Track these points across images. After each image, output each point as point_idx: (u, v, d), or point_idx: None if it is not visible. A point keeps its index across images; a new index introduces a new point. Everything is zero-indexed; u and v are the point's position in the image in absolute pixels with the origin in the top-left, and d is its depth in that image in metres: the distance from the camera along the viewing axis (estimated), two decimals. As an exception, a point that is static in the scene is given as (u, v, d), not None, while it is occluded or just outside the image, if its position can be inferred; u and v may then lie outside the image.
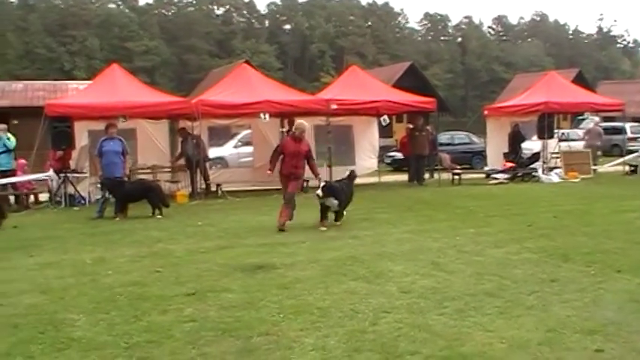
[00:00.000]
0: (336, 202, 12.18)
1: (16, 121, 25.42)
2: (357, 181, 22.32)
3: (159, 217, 14.33)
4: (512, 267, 8.52)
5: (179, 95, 20.04)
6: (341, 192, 12.37)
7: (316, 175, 12.68)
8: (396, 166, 28.04)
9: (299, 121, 12.68)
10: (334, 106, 19.26)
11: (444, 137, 30.53)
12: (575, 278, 7.84)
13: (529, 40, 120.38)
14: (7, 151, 17.25)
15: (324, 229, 11.96)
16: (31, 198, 18.05)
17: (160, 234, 12.10)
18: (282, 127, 21.01)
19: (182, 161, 19.75)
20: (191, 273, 8.67)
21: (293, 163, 12.33)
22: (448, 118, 68.03)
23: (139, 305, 7.11)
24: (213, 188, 19.29)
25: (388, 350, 5.46)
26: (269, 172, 12.50)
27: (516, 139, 22.91)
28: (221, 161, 24.41)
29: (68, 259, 9.93)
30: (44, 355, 5.67)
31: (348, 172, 13.62)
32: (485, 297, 7.03)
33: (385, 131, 27.13)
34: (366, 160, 22.97)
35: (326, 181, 12.67)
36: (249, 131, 23.74)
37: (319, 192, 12.03)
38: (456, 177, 21.75)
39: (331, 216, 12.51)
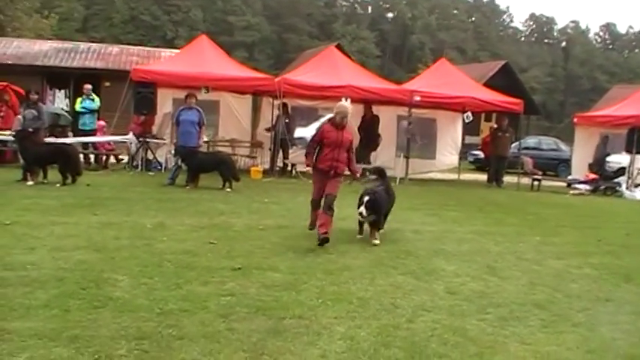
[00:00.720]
0: (374, 216, 9.76)
1: (108, 84, 26.15)
2: (435, 175, 22.37)
3: (228, 190, 14.47)
4: (569, 281, 8.18)
5: (274, 73, 20.14)
6: (384, 203, 10.03)
7: (354, 172, 10.13)
8: (479, 165, 27.55)
9: (340, 103, 9.71)
10: (417, 98, 19.01)
11: (530, 141, 29.80)
12: (632, 300, 7.45)
13: (637, 50, 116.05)
14: (91, 111, 17.76)
15: (360, 236, 10.04)
16: (111, 158, 18.53)
17: (225, 207, 12.19)
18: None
19: (263, 137, 19.93)
20: (243, 248, 8.69)
21: (334, 155, 9.50)
22: (544, 122, 66.46)
23: (184, 274, 7.16)
24: (289, 168, 19.36)
25: (416, 350, 5.32)
26: (307, 166, 10.01)
27: (600, 151, 22.01)
28: (301, 141, 24.46)
29: (130, 221, 10.11)
30: (80, 310, 5.77)
31: (372, 170, 11.19)
32: (533, 308, 6.77)
33: (471, 129, 26.64)
34: (446, 155, 22.69)
35: (369, 193, 9.82)
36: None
37: (362, 210, 9.60)
38: (536, 183, 21.11)
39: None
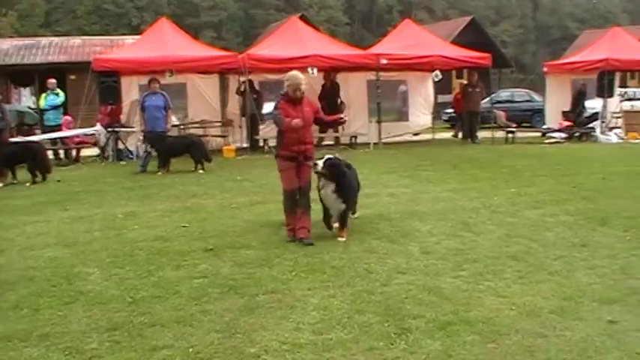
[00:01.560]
0: (341, 202, 7.93)
1: (73, 77, 25.83)
2: (410, 137, 22.31)
3: (200, 171, 14.38)
4: (544, 230, 8.19)
5: (243, 51, 19.97)
6: (349, 181, 8.13)
7: (333, 119, 9.99)
8: (453, 124, 27.58)
9: (290, 73, 8.08)
10: (384, 61, 18.92)
11: (503, 94, 29.77)
12: (608, 244, 7.46)
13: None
14: (56, 107, 17.56)
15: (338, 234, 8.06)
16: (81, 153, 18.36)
17: (197, 189, 12.12)
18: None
19: (232, 115, 19.81)
20: (216, 228, 8.64)
21: (299, 137, 7.89)
22: (518, 75, 66.37)
23: (155, 260, 7.11)
24: (261, 144, 19.21)
25: (390, 313, 5.30)
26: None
27: (581, 97, 21.94)
28: (270, 117, 24.30)
29: (101, 213, 10.03)
30: (50, 308, 5.70)
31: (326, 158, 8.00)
32: (508, 260, 6.77)
33: (443, 87, 26.54)
34: (419, 116, 22.65)
35: (332, 157, 8.06)
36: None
37: (319, 164, 7.82)
38: (510, 135, 21.10)
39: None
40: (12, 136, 15.06)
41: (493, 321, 5.09)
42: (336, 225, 8.11)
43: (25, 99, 28.59)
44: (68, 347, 4.85)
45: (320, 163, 7.79)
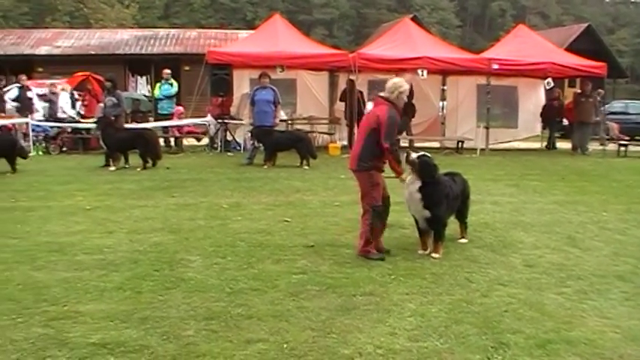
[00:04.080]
0: (424, 207, 7.18)
1: (187, 68, 26.51)
2: (517, 145, 21.77)
3: (305, 167, 14.46)
4: (656, 250, 7.79)
5: (354, 50, 20.00)
6: (440, 188, 7.30)
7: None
8: (564, 133, 26.70)
9: (400, 80, 7.33)
10: (496, 66, 18.51)
11: (616, 105, 28.60)
12: None
13: None
14: (169, 96, 18.08)
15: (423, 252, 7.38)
16: (187, 141, 18.83)
17: (301, 184, 12.18)
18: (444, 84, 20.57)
19: (339, 113, 19.84)
20: (317, 225, 8.65)
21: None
22: (633, 86, 63.82)
23: (256, 253, 7.18)
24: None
25: (489, 325, 5.14)
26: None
27: None
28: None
29: (206, 202, 10.23)
30: (151, 292, 5.85)
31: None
32: (615, 280, 6.45)
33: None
34: (529, 123, 22.02)
35: (423, 155, 7.30)
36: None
37: (413, 154, 7.26)
38: (623, 148, 20.23)
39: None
40: (127, 122, 15.58)
41: (595, 343, 4.86)
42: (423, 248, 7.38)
43: (140, 87, 29.56)
44: (166, 332, 4.95)
45: (414, 154, 7.28)
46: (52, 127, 18.00)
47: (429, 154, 7.37)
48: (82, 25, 43.84)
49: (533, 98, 21.75)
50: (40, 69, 27.19)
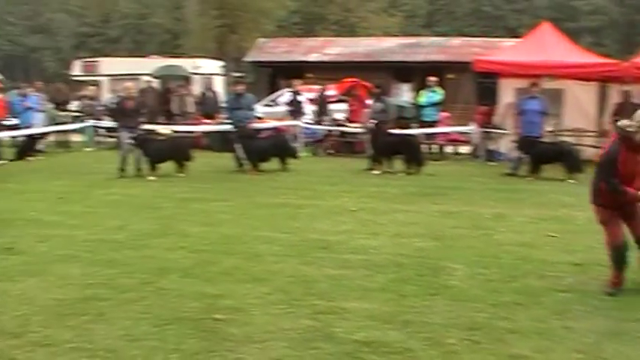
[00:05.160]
0: None
1: (451, 76, 26.49)
2: None
3: (571, 181, 13.80)
4: None
5: (623, 59, 18.81)
6: None
7: None
8: None
9: None
10: None
11: None
12: None
13: None
14: (433, 104, 18.19)
15: None
16: (453, 149, 18.80)
17: (568, 199, 11.59)
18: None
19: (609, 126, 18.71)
20: (584, 243, 8.15)
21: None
22: None
23: (520, 266, 7.01)
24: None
25: None
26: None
27: None
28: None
29: (468, 211, 10.15)
30: (414, 296, 5.94)
31: None
32: None
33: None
34: None
35: None
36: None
37: None
38: None
39: None
40: (391, 128, 15.92)
41: None
42: None
43: (403, 94, 30.07)
44: (428, 337, 4.99)
45: None
46: (320, 130, 18.95)
47: None
48: (349, 33, 45.57)
49: None
50: (310, 75, 28.63)
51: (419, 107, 18.88)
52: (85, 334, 5.11)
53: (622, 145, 5.95)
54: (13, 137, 18.91)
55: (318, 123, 19.31)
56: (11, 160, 17.06)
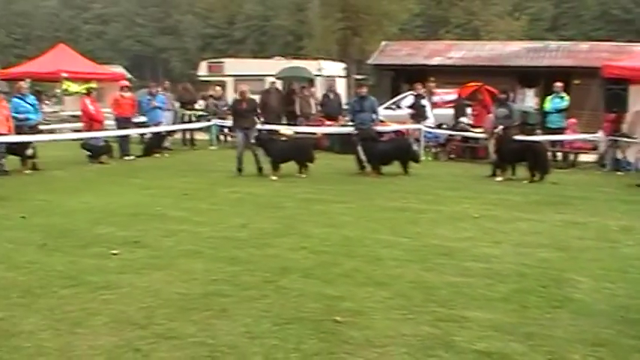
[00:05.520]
0: None
1: (577, 81, 25.69)
2: None
3: None
4: None
5: None
6: None
7: None
8: None
9: None
10: None
11: None
12: None
13: None
14: (559, 110, 17.74)
15: None
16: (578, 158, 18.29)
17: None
18: None
19: None
20: None
21: None
22: None
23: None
24: None
25: None
26: None
27: None
28: None
29: (594, 222, 9.84)
30: (537, 308, 5.85)
31: None
32: None
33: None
34: None
35: None
36: None
37: None
38: None
39: None
40: (515, 135, 15.65)
41: None
42: None
43: (528, 99, 29.39)
44: (550, 351, 4.91)
45: None
46: (442, 134, 18.88)
47: None
48: (473, 37, 45.01)
49: None
50: (433, 78, 28.47)
51: (544, 113, 18.47)
52: (208, 329, 5.33)
53: None
54: (141, 135, 19.93)
55: (454, 126, 19.23)
56: (138, 157, 17.94)
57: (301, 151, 14.82)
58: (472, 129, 18.57)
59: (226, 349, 4.96)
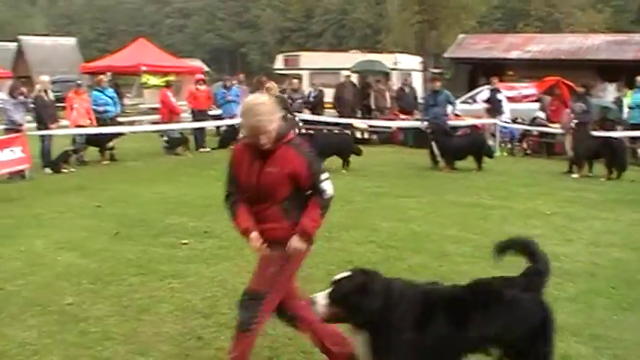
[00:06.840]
0: None
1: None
2: None
3: None
4: None
5: None
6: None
7: None
8: None
9: None
10: None
11: None
12: None
13: None
14: (644, 105, 17.20)
15: None
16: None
17: None
18: None
19: None
20: None
21: None
22: None
23: None
24: None
25: None
26: None
27: None
28: None
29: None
30: (605, 309, 5.76)
31: None
32: None
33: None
34: None
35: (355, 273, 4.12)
36: None
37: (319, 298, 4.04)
38: None
39: None
40: (594, 130, 15.24)
41: None
42: None
43: (608, 94, 28.57)
44: (616, 355, 4.82)
45: (321, 296, 4.00)
46: (518, 129, 18.52)
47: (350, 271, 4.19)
48: (553, 29, 43.97)
49: None
50: (511, 72, 27.93)
51: (629, 108, 17.88)
52: (270, 319, 5.36)
53: None
54: (217, 127, 20.25)
55: (532, 121, 18.91)
56: (214, 149, 18.21)
57: (343, 146, 14.79)
58: (549, 124, 18.14)
59: (286, 340, 5.06)
